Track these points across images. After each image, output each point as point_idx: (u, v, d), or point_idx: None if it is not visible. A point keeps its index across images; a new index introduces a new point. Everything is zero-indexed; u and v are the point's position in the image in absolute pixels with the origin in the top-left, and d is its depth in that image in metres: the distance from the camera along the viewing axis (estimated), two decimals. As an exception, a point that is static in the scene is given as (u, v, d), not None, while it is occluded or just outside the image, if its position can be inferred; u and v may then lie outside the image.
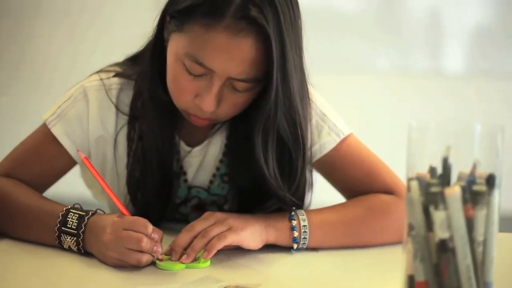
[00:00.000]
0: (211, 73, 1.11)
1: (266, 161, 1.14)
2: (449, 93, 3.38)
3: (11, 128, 3.10)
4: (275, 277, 1.08)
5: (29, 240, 1.18)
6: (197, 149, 1.30)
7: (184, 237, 1.12)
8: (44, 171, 1.28)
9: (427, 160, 0.87)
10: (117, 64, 1.34)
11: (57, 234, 1.14)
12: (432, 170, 0.87)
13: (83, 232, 1.11)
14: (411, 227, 0.86)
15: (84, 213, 1.13)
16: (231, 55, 1.09)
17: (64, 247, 1.14)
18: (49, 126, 1.26)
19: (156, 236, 1.09)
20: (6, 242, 1.20)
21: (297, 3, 1.15)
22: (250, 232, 1.13)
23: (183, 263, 1.10)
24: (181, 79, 1.14)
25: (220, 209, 1.33)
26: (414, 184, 0.85)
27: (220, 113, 1.16)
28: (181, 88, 1.15)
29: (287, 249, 1.19)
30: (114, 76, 1.30)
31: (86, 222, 1.11)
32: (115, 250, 1.07)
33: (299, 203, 1.20)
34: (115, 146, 1.29)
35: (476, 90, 3.36)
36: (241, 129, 1.24)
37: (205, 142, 1.30)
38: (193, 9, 1.10)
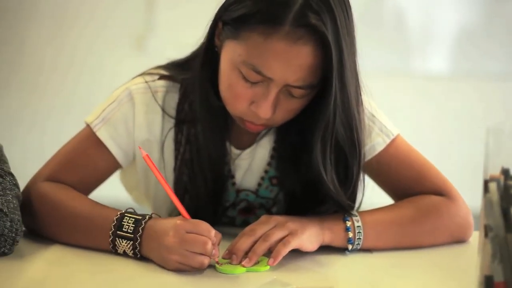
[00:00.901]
0: (268, 80, 1.11)
1: (324, 166, 1.15)
2: (433, 93, 3.41)
3: (4, 129, 3.10)
4: (341, 279, 1.09)
5: (81, 245, 1.18)
6: (246, 152, 1.30)
7: (245, 241, 1.12)
8: (89, 175, 1.27)
9: (502, 162, 0.89)
10: (160, 67, 1.34)
11: (111, 238, 1.13)
12: (505, 172, 0.88)
13: (140, 236, 1.11)
14: (489, 229, 0.87)
15: (140, 217, 1.13)
16: (290, 62, 1.09)
17: (118, 251, 1.14)
18: (94, 130, 1.26)
19: (215, 239, 1.09)
20: (58, 247, 1.20)
21: (349, 5, 1.14)
22: (309, 235, 1.14)
23: (244, 266, 1.10)
24: (237, 86, 1.14)
25: (268, 212, 1.33)
26: (493, 186, 0.86)
27: (276, 118, 1.17)
28: (237, 95, 1.15)
29: (340, 250, 1.20)
30: (159, 78, 1.29)
31: (144, 226, 1.11)
32: (178, 253, 1.06)
33: (353, 205, 1.21)
34: (162, 149, 1.29)
35: (458, 91, 3.40)
36: (290, 131, 1.24)
37: (254, 145, 1.30)
38: (250, 16, 1.09)
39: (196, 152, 1.26)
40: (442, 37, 3.40)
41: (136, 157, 1.30)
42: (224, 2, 1.16)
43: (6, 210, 1.15)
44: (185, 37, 3.67)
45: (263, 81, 1.12)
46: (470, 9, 3.38)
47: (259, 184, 1.32)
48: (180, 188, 1.29)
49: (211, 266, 1.11)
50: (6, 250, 1.14)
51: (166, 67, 1.33)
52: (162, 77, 1.29)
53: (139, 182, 1.36)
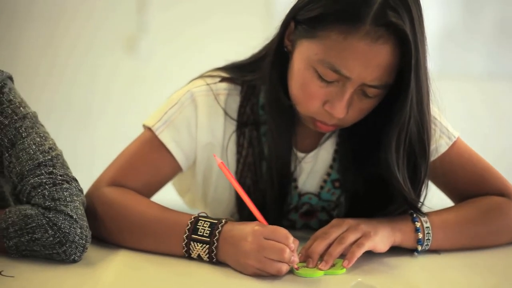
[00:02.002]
0: (344, 80, 1.11)
1: (397, 165, 1.14)
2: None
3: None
4: (422, 281, 1.09)
5: (150, 250, 1.16)
6: (310, 155, 1.30)
7: (320, 244, 1.12)
8: (151, 178, 1.26)
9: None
10: (219, 69, 1.32)
11: (185, 242, 1.12)
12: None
13: (216, 240, 1.09)
14: None
15: (216, 221, 1.11)
16: (369, 62, 1.09)
17: (192, 255, 1.13)
18: (156, 133, 1.25)
19: (293, 246, 1.08)
20: (126, 253, 1.18)
21: (420, 2, 1.14)
22: (381, 236, 1.14)
23: (320, 269, 1.10)
24: (311, 85, 1.13)
25: (329, 215, 1.33)
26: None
27: (347, 119, 1.16)
28: (311, 94, 1.14)
29: (407, 251, 1.20)
30: (221, 81, 1.28)
31: (220, 230, 1.10)
32: (255, 259, 1.05)
33: (420, 204, 1.21)
34: (224, 152, 1.27)
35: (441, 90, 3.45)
36: (352, 134, 1.24)
37: (317, 148, 1.30)
38: (329, 16, 1.09)
39: (258, 154, 1.25)
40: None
41: (197, 160, 1.29)
42: (297, 2, 1.16)
43: (76, 217, 1.12)
44: (176, 39, 3.67)
45: (339, 81, 1.12)
46: (450, 8, 3.42)
47: (321, 187, 1.31)
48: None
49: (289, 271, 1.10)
50: (77, 258, 1.12)
51: (226, 69, 1.32)
52: (223, 79, 1.28)
53: (195, 185, 1.35)
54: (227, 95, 1.27)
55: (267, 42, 1.28)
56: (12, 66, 3.08)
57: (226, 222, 1.11)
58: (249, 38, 3.72)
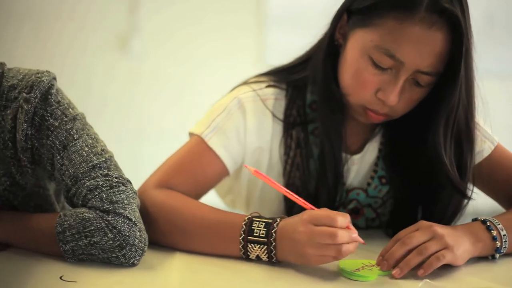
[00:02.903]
0: (398, 67, 1.13)
1: (445, 150, 1.16)
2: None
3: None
4: (491, 282, 1.09)
5: (206, 252, 1.15)
6: (356, 156, 1.32)
7: (399, 250, 1.09)
8: (200, 182, 1.27)
9: None
10: (262, 75, 1.34)
11: (242, 244, 1.11)
12: None
13: (274, 240, 1.09)
14: None
15: (270, 220, 1.11)
16: (424, 48, 1.11)
17: (250, 257, 1.12)
18: (206, 139, 1.26)
19: (344, 223, 1.06)
20: (181, 255, 1.17)
21: None
22: (462, 251, 1.11)
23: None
24: (365, 73, 1.16)
25: (376, 212, 1.34)
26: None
27: (397, 108, 1.18)
28: (364, 82, 1.16)
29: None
30: (267, 87, 1.29)
31: (276, 229, 1.09)
32: (312, 246, 1.04)
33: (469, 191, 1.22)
34: (271, 155, 1.28)
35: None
36: (397, 130, 1.26)
37: (365, 148, 1.31)
38: (384, 3, 1.12)
39: (305, 154, 1.26)
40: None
41: (245, 163, 1.30)
42: None
43: (134, 219, 1.11)
44: (169, 38, 3.65)
45: (392, 68, 1.14)
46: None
47: (368, 184, 1.33)
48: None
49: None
50: (136, 261, 1.10)
51: (269, 74, 1.34)
52: (269, 85, 1.29)
53: (238, 187, 1.36)
54: (274, 99, 1.29)
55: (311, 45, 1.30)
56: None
57: (280, 220, 1.11)
58: (242, 37, 3.74)
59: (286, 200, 1.30)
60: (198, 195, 1.27)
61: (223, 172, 1.28)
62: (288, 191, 1.12)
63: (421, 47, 1.11)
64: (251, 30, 3.43)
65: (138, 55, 3.28)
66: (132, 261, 1.10)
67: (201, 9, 3.35)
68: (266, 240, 1.09)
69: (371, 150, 1.32)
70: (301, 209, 1.26)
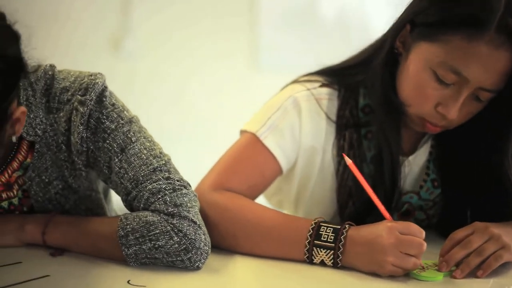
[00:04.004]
0: (461, 83, 1.14)
1: (509, 164, 1.18)
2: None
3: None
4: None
5: (269, 255, 1.15)
6: (410, 158, 1.33)
7: (460, 252, 1.11)
8: (256, 182, 1.26)
9: None
10: (314, 75, 1.34)
11: (307, 248, 1.12)
12: None
13: (342, 245, 1.10)
14: None
15: (338, 226, 1.12)
16: (489, 67, 1.12)
17: (314, 261, 1.12)
18: (261, 138, 1.26)
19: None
20: (241, 258, 1.17)
21: None
22: None
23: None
24: (427, 87, 1.16)
25: (426, 214, 1.35)
26: None
27: (455, 121, 1.19)
28: (425, 95, 1.17)
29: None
30: (321, 86, 1.29)
31: (345, 235, 1.10)
32: (394, 254, 1.06)
33: None
34: (323, 156, 1.28)
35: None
36: (449, 135, 1.27)
37: (417, 151, 1.32)
38: (451, 20, 1.12)
39: (358, 156, 1.27)
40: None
41: (297, 163, 1.30)
42: (414, 5, 1.20)
43: (199, 222, 1.10)
44: (162, 40, 3.63)
45: (455, 83, 1.15)
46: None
47: (421, 187, 1.33)
48: (344, 193, 1.29)
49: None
50: (201, 265, 1.10)
51: (321, 73, 1.34)
52: (323, 84, 1.29)
53: (288, 187, 1.36)
54: (328, 99, 1.30)
55: (366, 46, 1.30)
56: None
57: (349, 227, 1.12)
58: (234, 39, 3.73)
59: (339, 202, 1.30)
60: (254, 195, 1.27)
61: (278, 172, 1.28)
62: (372, 191, 1.13)
63: (487, 66, 1.12)
64: (244, 32, 3.43)
65: (131, 56, 3.25)
66: (197, 264, 1.09)
67: (194, 11, 3.34)
68: (333, 245, 1.10)
69: (422, 153, 1.33)
70: (355, 211, 1.28)
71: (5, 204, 1.20)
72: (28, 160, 1.17)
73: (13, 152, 1.17)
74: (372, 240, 1.08)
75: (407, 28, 1.20)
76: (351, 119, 1.28)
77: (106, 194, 1.34)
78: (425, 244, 1.07)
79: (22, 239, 1.16)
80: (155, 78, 3.29)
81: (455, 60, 1.13)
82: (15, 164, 1.17)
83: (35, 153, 1.16)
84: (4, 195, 1.19)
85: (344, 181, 1.29)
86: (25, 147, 1.17)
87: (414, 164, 1.33)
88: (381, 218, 1.20)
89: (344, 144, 1.28)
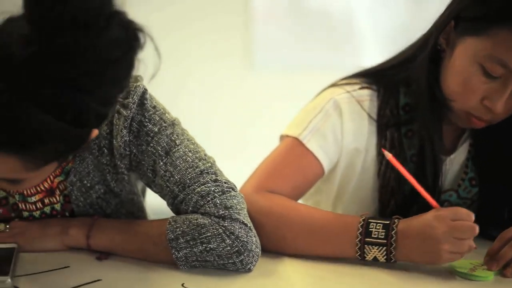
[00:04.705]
0: (507, 76, 1.16)
1: None
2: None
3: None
4: None
5: (317, 254, 1.16)
6: (452, 156, 1.34)
7: (510, 252, 1.12)
8: (300, 185, 1.27)
9: None
10: (352, 77, 1.35)
11: (359, 246, 1.12)
12: None
13: (395, 241, 1.10)
14: None
15: (387, 222, 1.12)
16: None
17: (367, 258, 1.13)
18: (304, 142, 1.26)
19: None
20: (288, 260, 1.16)
21: None
22: None
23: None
24: (474, 81, 1.18)
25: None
26: None
27: (499, 115, 1.21)
28: (471, 90, 1.19)
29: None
30: (360, 88, 1.31)
31: (396, 230, 1.11)
32: (449, 241, 1.07)
33: None
34: (365, 156, 1.30)
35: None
36: (487, 132, 1.29)
37: (457, 150, 1.34)
38: (498, 15, 1.14)
39: (400, 155, 1.28)
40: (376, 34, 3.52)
41: (339, 164, 1.31)
42: (459, 2, 1.21)
43: (249, 225, 1.10)
44: (156, 38, 3.61)
45: (502, 77, 1.17)
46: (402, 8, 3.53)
47: (459, 185, 1.35)
48: (386, 192, 1.30)
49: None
50: (252, 267, 1.10)
51: (357, 76, 1.35)
52: (362, 87, 1.31)
53: (327, 188, 1.36)
54: (369, 101, 1.31)
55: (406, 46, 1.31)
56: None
57: (398, 221, 1.12)
58: (229, 38, 3.73)
59: (381, 201, 1.31)
60: (296, 198, 1.27)
61: (320, 174, 1.29)
62: (416, 182, 1.14)
63: None
64: (239, 31, 3.43)
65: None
66: (248, 266, 1.09)
67: (189, 11, 3.33)
68: (385, 241, 1.11)
69: (462, 152, 1.34)
70: (396, 209, 1.29)
71: (47, 209, 1.19)
72: (70, 165, 1.16)
73: None
74: (424, 231, 1.08)
75: (451, 25, 1.21)
76: (392, 118, 1.29)
77: (143, 197, 1.34)
78: (476, 226, 1.08)
79: (65, 243, 1.15)
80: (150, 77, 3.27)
81: (503, 53, 1.14)
82: (57, 169, 1.16)
83: (76, 158, 1.15)
84: (46, 201, 1.18)
85: (386, 181, 1.30)
86: None
87: (454, 163, 1.34)
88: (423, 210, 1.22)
89: (386, 143, 1.29)
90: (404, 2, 3.48)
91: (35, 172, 0.95)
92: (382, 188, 1.30)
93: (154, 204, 1.34)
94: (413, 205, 1.28)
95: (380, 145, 1.29)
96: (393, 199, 1.30)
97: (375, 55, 3.52)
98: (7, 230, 1.15)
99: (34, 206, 1.18)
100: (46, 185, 1.16)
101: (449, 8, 1.24)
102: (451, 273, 1.13)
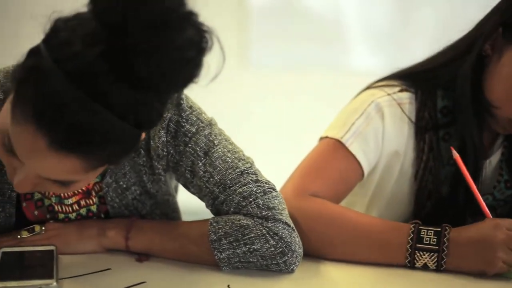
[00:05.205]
0: None
1: None
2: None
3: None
4: None
5: (363, 260, 1.16)
6: (491, 159, 1.35)
7: None
8: (341, 188, 1.26)
9: None
10: (388, 79, 1.34)
11: (409, 252, 1.13)
12: None
13: (447, 247, 1.11)
14: None
15: (439, 229, 1.13)
16: None
17: (416, 265, 1.13)
18: (347, 145, 1.26)
19: None
20: (328, 264, 1.16)
21: None
22: None
23: None
24: None
25: (495, 212, 1.36)
26: None
27: None
28: None
29: None
30: (400, 91, 1.31)
31: (448, 237, 1.12)
32: (503, 251, 1.08)
33: None
34: (404, 159, 1.30)
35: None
36: None
37: (494, 153, 1.35)
38: None
39: (437, 158, 1.28)
40: (364, 34, 3.54)
41: (377, 167, 1.31)
42: (505, 8, 1.21)
43: (292, 225, 1.10)
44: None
45: None
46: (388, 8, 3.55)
47: (494, 187, 1.35)
48: (422, 195, 1.30)
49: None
50: (295, 268, 1.10)
51: (394, 78, 1.34)
52: (402, 89, 1.31)
53: (363, 191, 1.36)
54: (409, 103, 1.30)
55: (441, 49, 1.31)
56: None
57: (450, 229, 1.13)
58: (224, 37, 3.72)
59: (417, 204, 1.31)
60: (338, 200, 1.27)
61: (360, 177, 1.28)
62: (475, 189, 1.15)
63: None
64: (234, 30, 3.42)
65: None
66: (292, 267, 1.09)
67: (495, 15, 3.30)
68: (437, 247, 1.11)
69: (496, 154, 1.35)
70: (431, 212, 1.29)
71: (83, 211, 1.18)
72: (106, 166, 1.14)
73: None
74: (480, 239, 1.09)
75: (499, 31, 1.21)
76: (430, 121, 1.29)
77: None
78: None
79: (103, 244, 1.14)
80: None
81: None
82: None
83: None
84: (82, 203, 1.17)
85: (424, 183, 1.29)
86: None
87: (490, 166, 1.35)
88: (457, 217, 1.23)
89: (425, 146, 1.29)
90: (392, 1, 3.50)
91: (88, 175, 0.94)
92: (418, 191, 1.30)
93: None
94: (449, 209, 1.29)
95: (418, 148, 1.29)
96: (429, 202, 1.30)
97: (365, 54, 3.56)
98: (43, 232, 1.14)
99: (70, 208, 1.17)
100: (83, 187, 1.15)
101: (495, 14, 1.23)
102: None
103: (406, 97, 1.30)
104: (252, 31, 3.41)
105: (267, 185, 1.12)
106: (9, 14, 3.05)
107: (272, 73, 3.38)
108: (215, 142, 1.14)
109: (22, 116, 0.86)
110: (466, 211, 1.32)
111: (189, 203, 1.32)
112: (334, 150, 1.27)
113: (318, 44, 3.43)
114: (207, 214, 1.14)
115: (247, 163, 1.13)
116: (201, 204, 1.17)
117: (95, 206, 1.18)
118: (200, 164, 1.12)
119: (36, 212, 1.17)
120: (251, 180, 1.11)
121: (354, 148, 1.26)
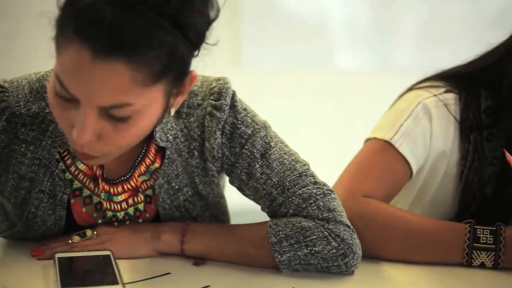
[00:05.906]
0: None
1: None
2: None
3: None
4: None
5: (419, 261, 1.16)
6: None
7: None
8: (391, 189, 1.26)
9: None
10: (432, 79, 1.35)
11: (466, 251, 1.14)
12: None
13: (503, 246, 1.13)
14: None
15: (494, 228, 1.15)
16: None
17: (474, 264, 1.15)
18: (396, 146, 1.26)
19: None
20: (393, 265, 1.16)
21: None
22: None
23: None
24: None
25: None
26: None
27: None
28: None
29: None
30: (445, 92, 1.31)
31: (504, 236, 1.14)
32: None
33: None
34: (449, 160, 1.30)
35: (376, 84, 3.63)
36: None
37: None
38: None
39: (482, 159, 1.29)
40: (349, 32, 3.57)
41: (423, 168, 1.31)
42: None
43: (352, 227, 1.10)
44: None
45: None
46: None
47: None
48: (467, 196, 1.31)
49: None
50: (355, 269, 1.10)
51: (438, 79, 1.34)
52: (447, 90, 1.32)
53: (408, 190, 1.36)
54: (454, 104, 1.31)
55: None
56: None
57: (505, 227, 1.14)
58: (217, 37, 3.70)
59: (462, 204, 1.32)
60: (388, 201, 1.27)
61: (408, 178, 1.29)
62: None
63: None
64: (226, 30, 3.40)
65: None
66: (352, 269, 1.08)
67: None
68: (494, 246, 1.14)
69: None
70: (475, 212, 1.30)
71: (131, 210, 1.15)
72: (156, 165, 1.13)
73: (141, 155, 1.13)
74: None
75: None
76: (474, 121, 1.30)
77: None
78: None
79: (157, 248, 1.12)
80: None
81: None
82: (142, 168, 1.13)
83: (165, 160, 1.12)
84: (130, 201, 1.15)
85: (469, 184, 1.30)
86: (153, 151, 1.13)
87: None
88: (500, 217, 1.24)
89: (470, 147, 1.30)
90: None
91: (142, 98, 0.93)
92: (463, 191, 1.31)
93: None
94: (492, 209, 1.30)
95: (463, 149, 1.30)
96: (474, 202, 1.31)
97: (349, 54, 3.58)
98: (94, 237, 1.12)
99: (119, 206, 1.14)
100: (132, 183, 1.13)
101: None
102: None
103: (451, 98, 1.31)
104: (244, 32, 3.40)
105: (325, 187, 1.12)
106: (9, 14, 2.99)
107: (265, 74, 3.37)
108: (271, 144, 1.13)
109: (65, 40, 0.90)
110: (510, 211, 1.34)
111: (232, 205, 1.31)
112: (383, 151, 1.27)
113: (311, 46, 3.44)
114: (248, 217, 1.15)
115: (304, 165, 1.13)
116: (244, 207, 1.16)
117: (142, 204, 1.15)
118: (257, 166, 1.11)
119: (84, 209, 1.14)
120: (309, 182, 1.11)
121: (403, 149, 1.26)
